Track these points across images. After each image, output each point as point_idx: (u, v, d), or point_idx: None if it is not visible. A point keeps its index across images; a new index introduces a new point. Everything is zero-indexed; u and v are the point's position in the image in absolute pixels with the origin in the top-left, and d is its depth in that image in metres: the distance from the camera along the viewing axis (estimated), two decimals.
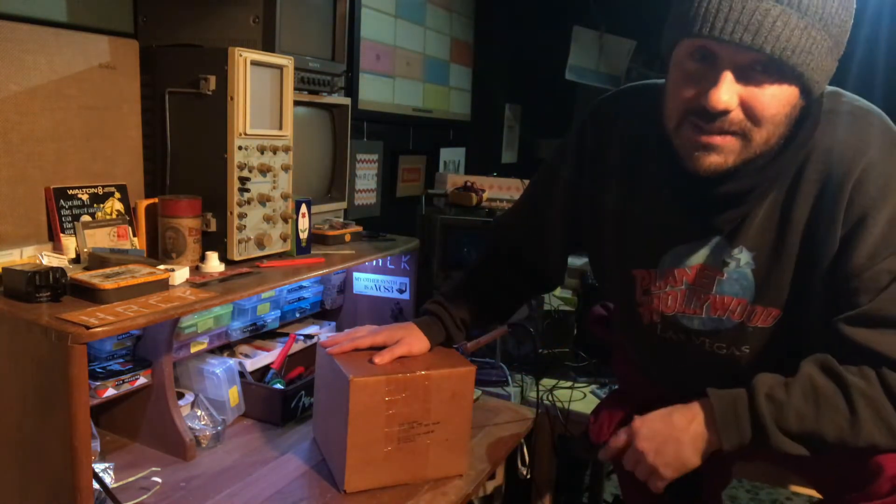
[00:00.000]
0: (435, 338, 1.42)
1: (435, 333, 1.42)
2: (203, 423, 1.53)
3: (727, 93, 0.93)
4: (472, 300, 1.44)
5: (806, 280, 1.05)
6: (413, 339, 1.39)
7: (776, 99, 0.95)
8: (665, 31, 1.03)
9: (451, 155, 3.23)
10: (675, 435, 1.05)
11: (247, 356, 1.76)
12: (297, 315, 1.93)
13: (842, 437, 0.98)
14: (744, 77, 0.94)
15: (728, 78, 0.93)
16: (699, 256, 1.13)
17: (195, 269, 1.41)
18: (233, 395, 1.63)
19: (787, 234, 1.05)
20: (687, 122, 0.99)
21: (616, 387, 2.10)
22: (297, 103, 1.63)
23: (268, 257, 1.55)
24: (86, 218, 1.41)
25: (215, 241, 1.46)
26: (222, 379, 1.60)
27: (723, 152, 0.98)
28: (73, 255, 1.37)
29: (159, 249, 1.43)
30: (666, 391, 1.26)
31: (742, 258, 1.09)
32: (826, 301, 1.04)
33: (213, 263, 1.42)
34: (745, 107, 0.95)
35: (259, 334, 1.82)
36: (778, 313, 1.09)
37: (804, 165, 1.03)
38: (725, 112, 0.94)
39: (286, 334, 1.88)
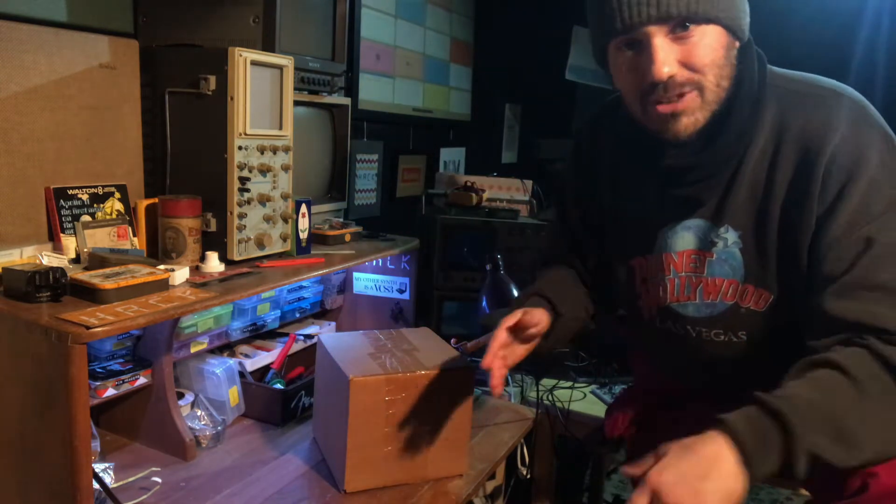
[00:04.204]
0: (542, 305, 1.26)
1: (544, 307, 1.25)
2: (203, 423, 1.53)
3: (664, 62, 1.01)
4: (560, 280, 1.34)
5: (789, 259, 1.06)
6: (539, 314, 1.21)
7: (708, 46, 1.02)
8: (592, 45, 1.12)
9: (451, 155, 3.23)
10: (721, 477, 0.86)
11: (247, 356, 1.76)
12: (297, 315, 1.93)
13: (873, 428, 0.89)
14: (674, 39, 1.01)
15: (660, 49, 1.01)
16: (686, 241, 1.16)
17: (195, 269, 1.41)
18: (233, 395, 1.63)
19: (767, 212, 1.07)
20: (647, 103, 1.06)
21: (619, 386, 2.11)
22: (297, 103, 1.63)
23: (268, 257, 1.55)
24: (86, 218, 1.41)
25: (215, 241, 1.46)
26: (222, 379, 1.60)
27: (689, 112, 1.04)
28: (73, 255, 1.37)
29: (159, 249, 1.43)
30: (679, 386, 1.27)
31: (729, 237, 1.11)
32: (809, 283, 1.04)
33: (213, 263, 1.42)
34: (686, 64, 1.02)
35: (259, 334, 1.82)
36: (769, 296, 1.10)
37: (780, 145, 1.05)
38: (671, 77, 1.01)
39: (286, 334, 1.88)
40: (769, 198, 1.06)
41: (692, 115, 1.04)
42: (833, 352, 0.94)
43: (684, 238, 1.16)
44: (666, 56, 1.00)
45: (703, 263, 1.14)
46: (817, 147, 1.01)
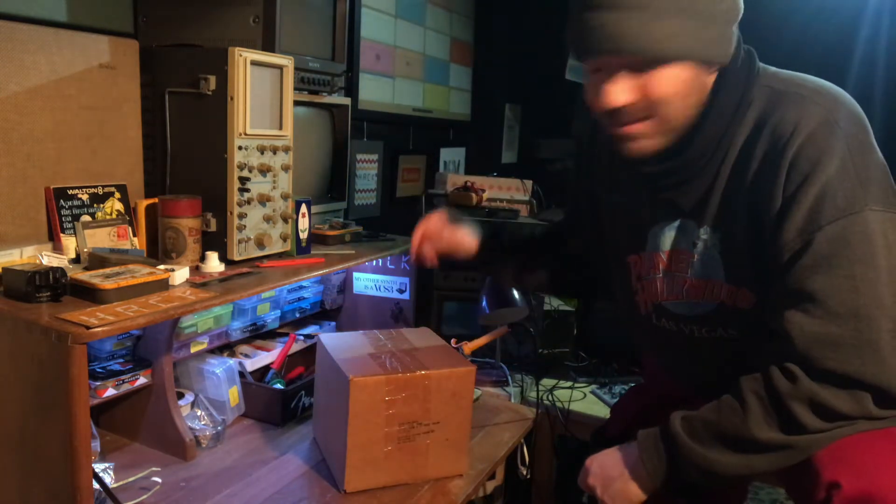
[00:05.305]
0: (481, 235, 1.46)
1: (479, 232, 1.46)
2: (203, 423, 1.53)
3: (617, 92, 1.02)
4: (524, 245, 1.50)
5: (762, 259, 1.05)
6: (459, 231, 1.45)
7: (668, 79, 1.01)
8: (571, 59, 1.13)
9: (451, 155, 3.23)
10: (618, 472, 1.12)
11: (247, 356, 1.76)
12: (297, 315, 1.93)
13: (740, 433, 0.99)
14: (635, 70, 1.02)
15: (619, 79, 1.02)
16: (670, 240, 1.16)
17: (195, 269, 1.41)
18: (233, 395, 1.63)
19: (739, 211, 1.07)
20: (606, 122, 1.09)
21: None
22: (297, 103, 1.63)
23: (268, 257, 1.55)
24: (86, 218, 1.41)
25: (215, 241, 1.46)
26: (222, 379, 1.60)
27: (644, 136, 1.06)
28: (73, 255, 1.37)
29: (159, 249, 1.43)
30: (681, 385, 1.27)
31: (708, 239, 1.11)
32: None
33: (213, 263, 1.42)
34: (644, 95, 1.02)
35: (259, 334, 1.82)
36: (752, 295, 1.09)
37: (753, 143, 1.05)
38: (623, 107, 1.03)
39: (286, 334, 1.88)
40: (741, 197, 1.06)
41: (646, 140, 1.07)
42: (747, 378, 1.02)
43: (670, 238, 1.17)
44: (620, 88, 1.02)
45: (687, 263, 1.15)
46: (783, 145, 1.00)
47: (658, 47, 0.98)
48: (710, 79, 1.06)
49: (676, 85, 1.02)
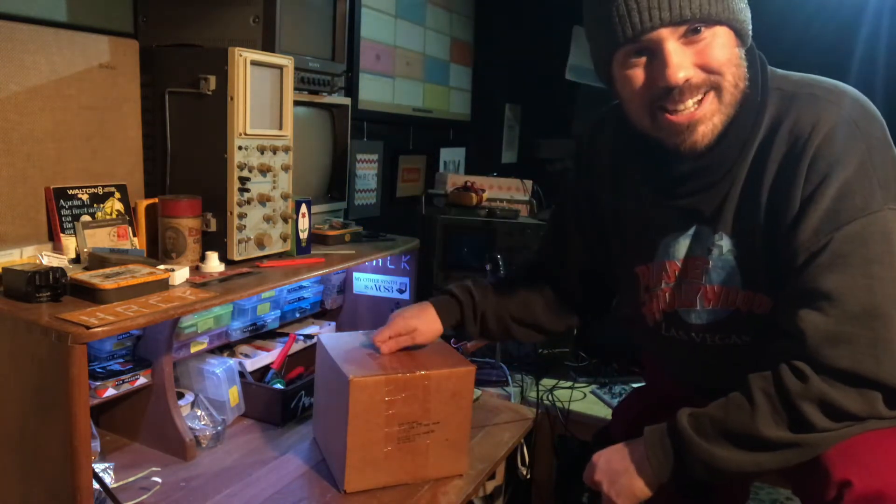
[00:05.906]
0: (448, 320, 1.41)
1: (449, 316, 1.41)
2: (203, 423, 1.53)
3: (679, 65, 0.98)
4: (500, 299, 1.41)
5: (778, 263, 1.05)
6: (424, 328, 1.40)
7: (722, 45, 1.00)
8: (596, 58, 1.10)
9: (451, 155, 3.23)
10: (624, 467, 1.10)
11: (247, 356, 1.76)
12: (297, 315, 1.93)
13: (748, 430, 0.99)
14: (686, 43, 0.99)
15: (673, 53, 0.98)
16: (686, 248, 1.15)
17: (195, 269, 1.41)
18: (233, 395, 1.63)
19: (756, 217, 1.06)
20: (657, 111, 1.03)
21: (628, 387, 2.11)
22: (297, 103, 1.63)
23: (268, 257, 1.55)
24: (86, 218, 1.41)
25: (215, 241, 1.46)
26: (222, 379, 1.60)
27: (706, 119, 1.02)
28: (73, 255, 1.37)
29: (159, 249, 1.43)
30: (687, 388, 1.27)
31: (724, 245, 1.10)
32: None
33: (213, 263, 1.42)
34: (702, 65, 1.00)
35: (259, 334, 1.82)
36: (769, 301, 1.09)
37: (768, 147, 1.04)
38: (687, 81, 0.99)
39: (286, 334, 1.88)
40: (758, 201, 1.06)
41: (709, 121, 1.02)
42: (756, 375, 1.01)
43: (684, 246, 1.15)
44: (681, 60, 0.98)
45: (702, 270, 1.13)
46: (802, 146, 1.00)
47: (715, 9, 0.97)
48: (743, 59, 1.05)
49: (725, 50, 1.00)
